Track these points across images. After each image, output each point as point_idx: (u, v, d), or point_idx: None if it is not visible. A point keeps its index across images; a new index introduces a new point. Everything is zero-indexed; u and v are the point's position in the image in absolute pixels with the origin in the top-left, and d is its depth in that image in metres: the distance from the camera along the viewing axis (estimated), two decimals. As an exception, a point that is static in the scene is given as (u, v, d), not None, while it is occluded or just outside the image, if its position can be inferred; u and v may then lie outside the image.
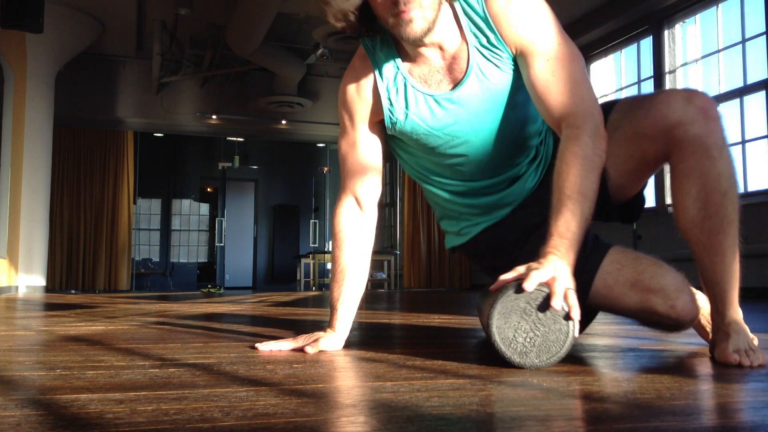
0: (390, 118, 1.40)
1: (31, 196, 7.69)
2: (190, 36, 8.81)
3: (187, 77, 9.65)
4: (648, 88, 7.28)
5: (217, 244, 13.34)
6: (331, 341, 1.44)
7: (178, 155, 13.71)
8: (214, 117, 10.35)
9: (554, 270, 1.13)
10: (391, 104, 1.39)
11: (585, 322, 1.43)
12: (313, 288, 9.44)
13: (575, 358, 1.30)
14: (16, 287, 7.59)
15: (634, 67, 7.58)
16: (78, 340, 1.74)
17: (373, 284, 10.11)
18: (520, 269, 1.16)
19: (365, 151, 1.45)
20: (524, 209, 1.45)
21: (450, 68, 1.33)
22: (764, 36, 5.95)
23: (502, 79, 1.32)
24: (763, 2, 5.93)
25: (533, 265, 1.15)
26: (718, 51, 6.54)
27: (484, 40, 1.30)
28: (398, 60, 1.37)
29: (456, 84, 1.33)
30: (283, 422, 0.75)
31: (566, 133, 1.26)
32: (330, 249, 13.94)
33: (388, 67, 1.37)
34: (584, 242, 1.28)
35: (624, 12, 7.24)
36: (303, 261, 10.68)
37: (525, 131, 1.41)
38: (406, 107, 1.38)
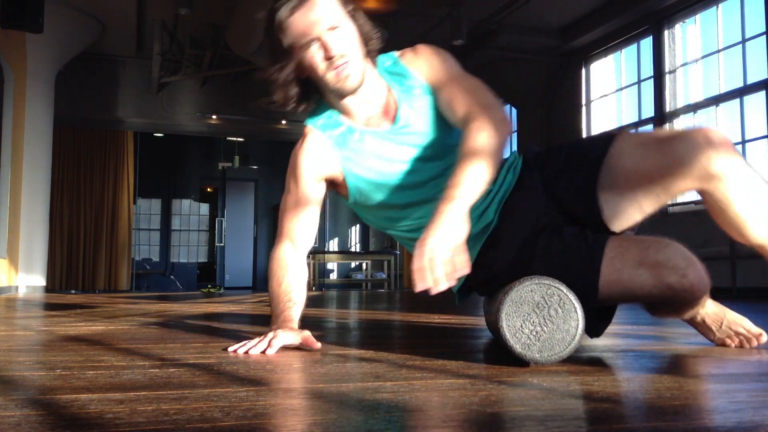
0: (349, 170, 1.49)
1: (31, 196, 7.68)
2: (190, 36, 8.81)
3: (187, 77, 9.64)
4: (648, 88, 7.29)
5: (217, 244, 13.34)
6: (288, 336, 1.44)
7: (178, 155, 13.70)
8: (214, 117, 10.35)
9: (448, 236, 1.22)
10: (346, 155, 1.50)
11: (602, 324, 1.43)
12: (313, 288, 9.44)
13: (575, 358, 1.30)
14: (16, 287, 7.59)
15: (634, 67, 7.58)
16: (78, 340, 1.74)
17: (373, 284, 10.10)
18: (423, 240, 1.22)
19: (309, 208, 1.56)
20: (508, 219, 1.43)
21: (385, 111, 1.52)
22: (764, 36, 5.95)
23: (424, 101, 1.52)
24: (763, 2, 5.93)
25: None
26: (718, 51, 6.54)
27: (403, 82, 1.53)
28: (340, 117, 1.54)
29: (393, 119, 1.51)
30: (284, 422, 0.75)
31: (468, 127, 1.38)
32: (328, 249, 13.96)
33: (334, 126, 1.54)
34: (584, 237, 1.32)
35: (624, 12, 7.24)
36: (303, 261, 10.64)
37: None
38: (359, 151, 1.50)
